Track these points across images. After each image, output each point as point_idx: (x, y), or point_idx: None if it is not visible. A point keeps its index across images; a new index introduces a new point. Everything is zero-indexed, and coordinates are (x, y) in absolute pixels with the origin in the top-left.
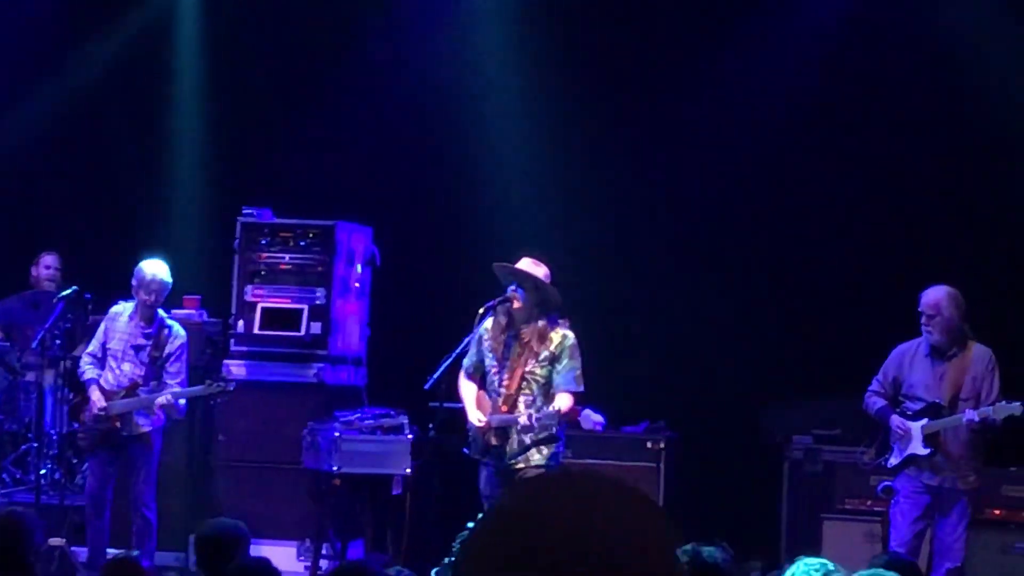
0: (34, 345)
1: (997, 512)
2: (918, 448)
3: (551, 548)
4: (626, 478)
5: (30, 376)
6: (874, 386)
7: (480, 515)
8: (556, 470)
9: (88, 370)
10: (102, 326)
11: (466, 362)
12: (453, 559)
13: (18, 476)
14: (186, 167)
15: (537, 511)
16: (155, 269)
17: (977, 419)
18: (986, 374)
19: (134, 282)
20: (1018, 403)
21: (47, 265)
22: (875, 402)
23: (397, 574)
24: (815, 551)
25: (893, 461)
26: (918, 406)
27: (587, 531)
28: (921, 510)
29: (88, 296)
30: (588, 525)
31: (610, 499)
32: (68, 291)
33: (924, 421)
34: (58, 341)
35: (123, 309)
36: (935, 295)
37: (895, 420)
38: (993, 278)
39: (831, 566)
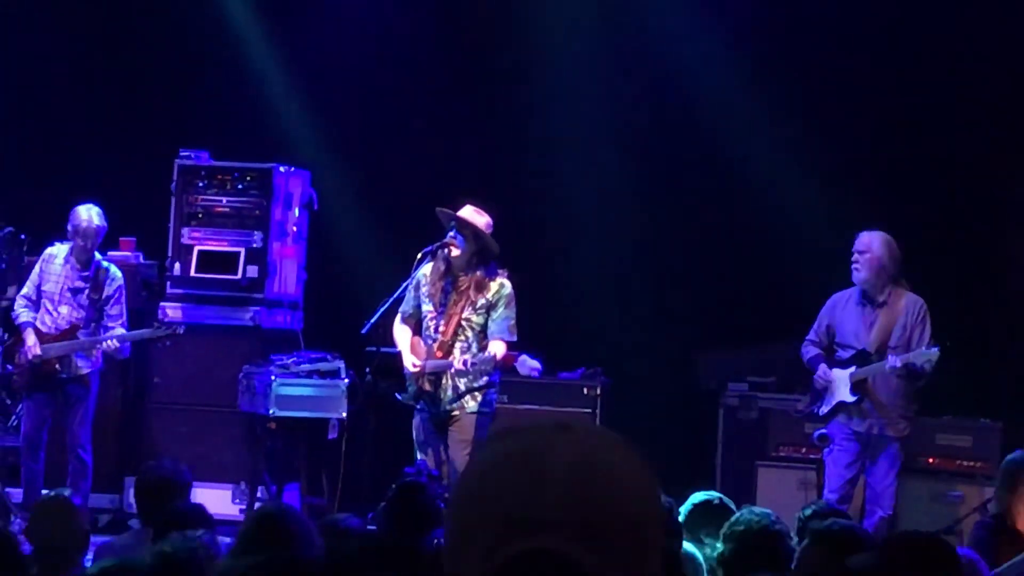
0: None
1: (931, 460)
2: (846, 395)
3: (550, 504)
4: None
5: None
6: (810, 335)
7: (467, 467)
8: (546, 420)
9: (22, 313)
10: (36, 268)
11: (403, 307)
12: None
13: None
14: (124, 108)
15: (538, 459)
16: (89, 214)
17: (900, 364)
18: (916, 323)
19: (69, 227)
20: (936, 348)
21: None
22: (808, 351)
23: (345, 520)
24: (750, 498)
25: (824, 409)
26: (848, 354)
27: (590, 476)
28: (852, 456)
29: (23, 237)
30: (591, 470)
31: (607, 446)
32: (2, 232)
33: (852, 368)
34: None
35: (58, 251)
36: (868, 235)
37: (819, 370)
38: (930, 220)
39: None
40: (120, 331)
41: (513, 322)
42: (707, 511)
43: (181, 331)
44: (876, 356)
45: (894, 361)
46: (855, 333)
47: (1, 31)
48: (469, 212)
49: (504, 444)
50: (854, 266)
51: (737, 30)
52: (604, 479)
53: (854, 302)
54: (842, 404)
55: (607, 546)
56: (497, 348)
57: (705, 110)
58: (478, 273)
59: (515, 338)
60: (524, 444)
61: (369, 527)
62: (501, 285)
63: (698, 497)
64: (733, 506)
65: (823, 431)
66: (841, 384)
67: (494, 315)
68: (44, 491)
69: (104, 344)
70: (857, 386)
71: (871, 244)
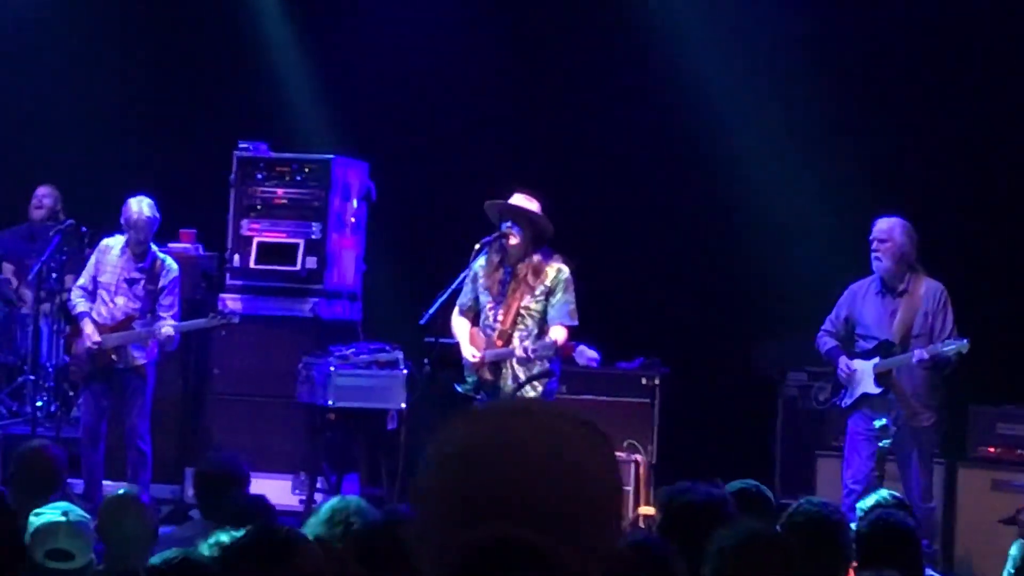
0: (30, 278)
1: (991, 450)
2: (870, 387)
3: (508, 490)
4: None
5: (26, 309)
6: (826, 326)
7: (428, 453)
8: (503, 403)
9: (79, 303)
10: (93, 259)
11: (460, 300)
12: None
13: (14, 408)
14: (184, 100)
15: (492, 444)
16: (140, 206)
17: (927, 357)
18: (938, 310)
19: (122, 220)
20: (966, 339)
21: (44, 195)
22: (825, 342)
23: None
24: (809, 488)
25: (847, 401)
26: (870, 344)
27: (545, 459)
28: (875, 447)
29: (84, 229)
30: (542, 460)
31: (562, 427)
32: (64, 224)
33: (876, 360)
34: (54, 274)
35: (115, 243)
36: (887, 222)
37: (841, 362)
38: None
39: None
40: (172, 321)
41: (573, 306)
42: (744, 499)
43: (236, 320)
44: (899, 346)
45: (921, 354)
46: (877, 323)
47: (60, 25)
48: (520, 200)
49: (463, 429)
50: (874, 255)
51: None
52: (560, 462)
53: (873, 291)
54: (866, 396)
55: (564, 529)
56: (558, 333)
57: (759, 102)
58: (535, 258)
59: (576, 322)
60: (482, 429)
61: None
62: (559, 270)
63: (734, 485)
64: (770, 494)
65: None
66: (865, 375)
67: (553, 300)
68: (105, 482)
69: (164, 331)
70: (881, 377)
71: (892, 232)
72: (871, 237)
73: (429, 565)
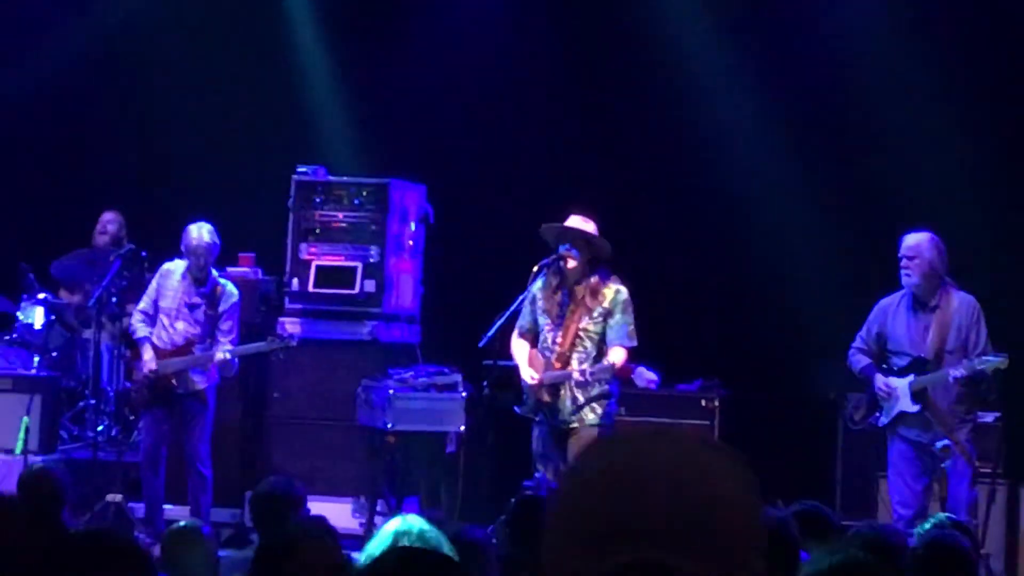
0: (91, 303)
1: None
2: (907, 405)
3: (649, 510)
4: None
5: (87, 333)
6: (857, 343)
7: (565, 478)
8: (643, 428)
9: (139, 328)
10: (154, 282)
11: (519, 322)
12: (509, 518)
13: (76, 433)
14: (242, 125)
15: (633, 473)
16: (200, 232)
17: (964, 374)
18: (972, 324)
19: (182, 246)
20: (1004, 355)
21: (108, 221)
22: (859, 360)
23: (469, 531)
24: (870, 510)
25: (884, 420)
26: (904, 361)
27: (684, 492)
28: (919, 468)
29: (144, 254)
30: (685, 486)
31: (705, 455)
32: (124, 249)
33: (911, 377)
34: (115, 299)
35: (175, 267)
36: (915, 237)
37: (879, 381)
38: None
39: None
40: (229, 346)
41: (632, 327)
42: (807, 521)
43: (294, 343)
44: (933, 362)
45: (957, 372)
46: (910, 339)
47: (120, 55)
48: (577, 221)
49: (602, 454)
50: (904, 271)
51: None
52: (702, 487)
53: (905, 307)
54: (903, 414)
55: (707, 554)
56: (616, 355)
57: (816, 124)
58: (592, 280)
59: (635, 343)
60: (621, 454)
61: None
62: (617, 291)
63: (796, 507)
64: (831, 514)
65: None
66: (901, 394)
67: (611, 322)
68: (166, 506)
69: (218, 356)
70: (917, 395)
71: (919, 248)
72: (900, 254)
73: None
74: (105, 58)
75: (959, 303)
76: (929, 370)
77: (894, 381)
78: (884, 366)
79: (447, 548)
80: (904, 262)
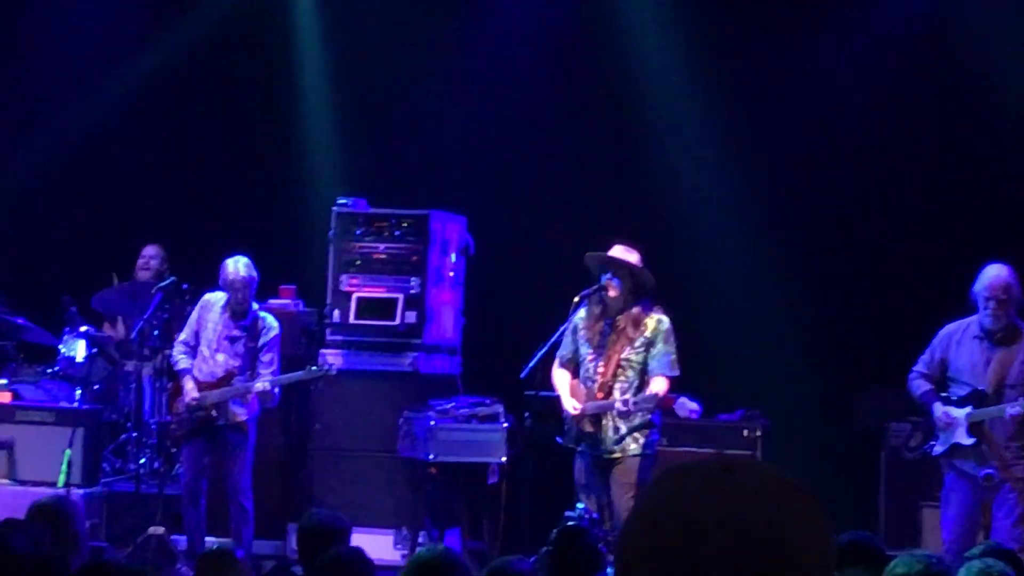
0: (133, 335)
1: None
2: (962, 437)
3: (721, 546)
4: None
5: (129, 366)
6: (920, 367)
7: (633, 515)
8: (710, 460)
9: (181, 359)
10: (195, 314)
11: (561, 352)
12: (552, 549)
13: (118, 466)
14: (282, 158)
15: (702, 508)
16: (236, 266)
17: (1020, 412)
18: None
19: (220, 280)
20: None
21: (151, 256)
22: (919, 385)
23: (515, 563)
24: (914, 540)
25: (939, 449)
26: (963, 391)
27: (755, 525)
28: (970, 501)
29: (185, 287)
30: (756, 521)
31: (774, 491)
32: (166, 282)
33: (968, 409)
34: (156, 332)
35: (216, 299)
36: (1003, 276)
37: (938, 410)
38: None
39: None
40: (269, 377)
41: (674, 357)
42: (856, 550)
43: (333, 372)
44: (993, 396)
45: (1014, 409)
46: (971, 369)
47: (162, 89)
48: (620, 251)
49: (667, 488)
50: (991, 313)
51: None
52: (768, 522)
53: (971, 335)
54: (958, 446)
55: None
56: (659, 385)
57: (863, 154)
58: (635, 310)
59: (677, 373)
60: (687, 488)
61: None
62: (659, 321)
63: (845, 537)
64: (881, 544)
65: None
66: (957, 425)
67: (653, 351)
68: (208, 538)
69: (257, 387)
70: (974, 427)
71: (1010, 289)
72: (987, 295)
73: None
74: (146, 95)
75: None
76: (988, 403)
77: (953, 411)
78: (943, 393)
79: None
80: (994, 304)
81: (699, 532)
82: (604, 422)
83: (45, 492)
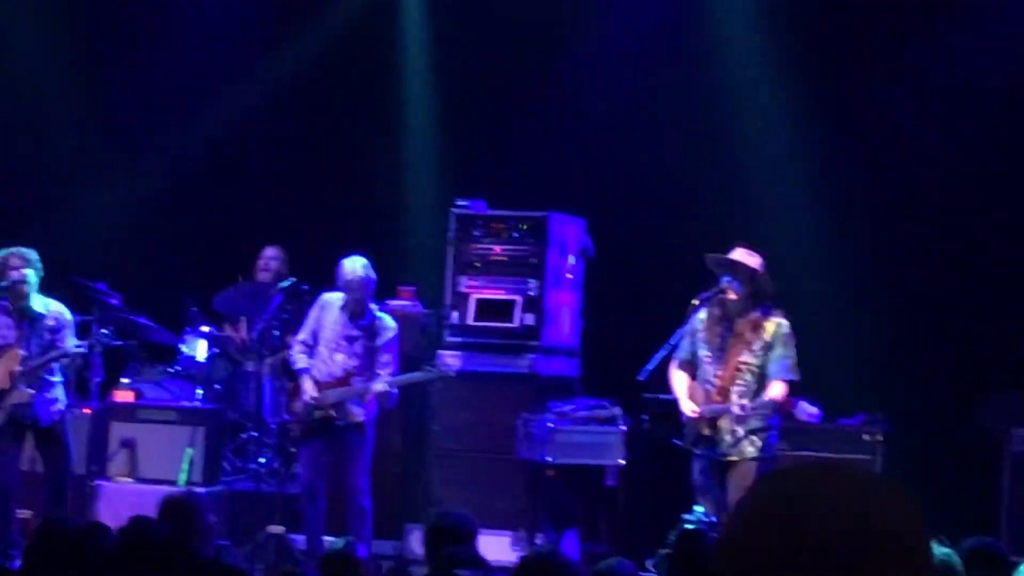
0: (254, 336)
1: None
2: None
3: (819, 545)
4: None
5: (249, 366)
6: None
7: (731, 516)
8: (810, 464)
9: (300, 359)
10: (314, 313)
11: (679, 354)
12: (671, 552)
13: (238, 465)
14: (402, 160)
15: (802, 508)
16: (354, 267)
17: None
18: None
19: (337, 281)
20: None
21: (271, 257)
22: None
23: (618, 564)
24: None
25: None
26: None
27: (854, 526)
28: None
29: (305, 288)
30: (855, 521)
31: (872, 493)
32: (286, 283)
33: None
34: (276, 332)
35: (335, 299)
36: None
37: None
38: None
39: None
40: (387, 377)
41: (793, 361)
42: (979, 557)
43: (452, 373)
44: None
45: None
46: None
47: (282, 93)
48: (741, 255)
49: (768, 488)
50: None
51: None
52: (866, 525)
53: None
54: None
55: None
56: (776, 390)
57: (985, 154)
58: (754, 314)
59: (796, 377)
60: (787, 488)
61: (643, 574)
62: (778, 324)
63: (970, 543)
64: (1004, 550)
65: None
66: None
67: (772, 355)
68: (326, 537)
69: (376, 387)
70: None
71: None
72: None
73: None
74: (268, 102)
75: None
76: None
77: None
78: None
79: None
80: None
81: (798, 529)
82: (721, 425)
83: (166, 490)
